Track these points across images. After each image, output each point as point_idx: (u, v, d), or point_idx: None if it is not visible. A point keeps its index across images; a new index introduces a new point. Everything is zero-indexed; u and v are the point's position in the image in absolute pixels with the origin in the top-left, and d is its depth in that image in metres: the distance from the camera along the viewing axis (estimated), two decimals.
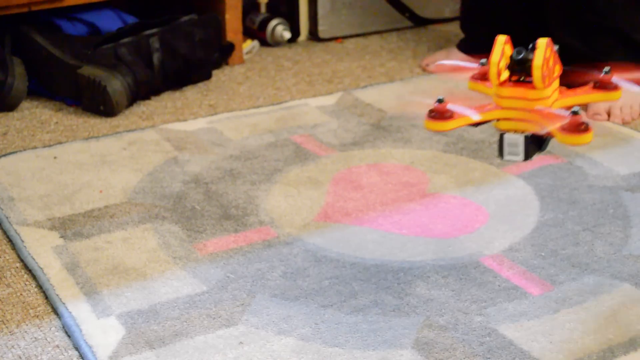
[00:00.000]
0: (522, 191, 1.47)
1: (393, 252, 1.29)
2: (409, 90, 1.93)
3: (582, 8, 1.85)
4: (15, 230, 1.35)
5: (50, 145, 1.65)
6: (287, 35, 2.24)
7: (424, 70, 2.07)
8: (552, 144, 1.63)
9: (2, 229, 1.37)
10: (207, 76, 2.01)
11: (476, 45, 2.06)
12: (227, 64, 2.11)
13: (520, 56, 1.07)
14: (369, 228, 1.36)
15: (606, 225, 1.36)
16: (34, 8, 1.87)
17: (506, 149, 1.09)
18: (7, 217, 1.38)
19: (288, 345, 1.08)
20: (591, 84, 1.13)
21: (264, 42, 2.25)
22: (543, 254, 1.28)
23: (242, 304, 1.16)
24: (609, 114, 1.77)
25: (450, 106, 1.10)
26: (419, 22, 2.41)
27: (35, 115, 1.81)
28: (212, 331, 1.11)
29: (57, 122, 1.78)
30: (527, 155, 1.10)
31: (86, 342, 1.08)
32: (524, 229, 1.35)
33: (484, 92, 1.17)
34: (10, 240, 1.34)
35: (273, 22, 2.24)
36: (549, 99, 1.08)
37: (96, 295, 1.18)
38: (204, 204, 1.43)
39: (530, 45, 1.08)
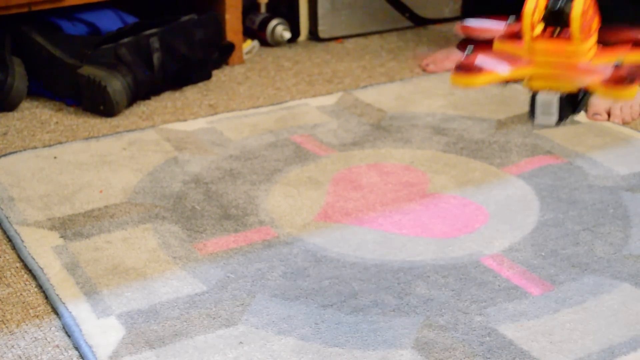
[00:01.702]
0: (522, 191, 1.47)
1: (393, 252, 1.29)
2: (409, 90, 1.93)
3: None
4: (15, 230, 1.35)
5: (50, 145, 1.65)
6: (287, 35, 2.24)
7: (424, 70, 2.07)
8: (552, 144, 1.63)
9: (2, 229, 1.37)
10: (207, 76, 2.01)
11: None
12: (227, 64, 2.11)
13: (558, 5, 0.97)
14: (369, 228, 1.36)
15: (606, 225, 1.36)
16: (34, 8, 1.87)
17: (539, 109, 1.01)
18: (7, 217, 1.38)
19: (288, 345, 1.08)
20: (630, 43, 1.04)
21: (264, 42, 2.25)
22: (543, 254, 1.28)
23: (242, 304, 1.16)
24: (609, 114, 1.77)
25: (479, 60, 1.01)
26: (419, 22, 2.41)
27: (35, 115, 1.81)
28: (212, 331, 1.11)
29: (57, 122, 1.78)
30: (562, 117, 1.02)
31: (86, 342, 1.08)
32: (524, 229, 1.35)
33: (513, 52, 1.05)
34: (10, 240, 1.34)
35: (273, 22, 2.24)
36: (588, 54, 1.00)
37: (96, 295, 1.18)
38: (204, 204, 1.43)
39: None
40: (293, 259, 1.27)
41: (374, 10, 2.33)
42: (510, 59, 1.01)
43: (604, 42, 1.07)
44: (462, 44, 2.15)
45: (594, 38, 1.01)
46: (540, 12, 0.99)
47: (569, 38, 0.98)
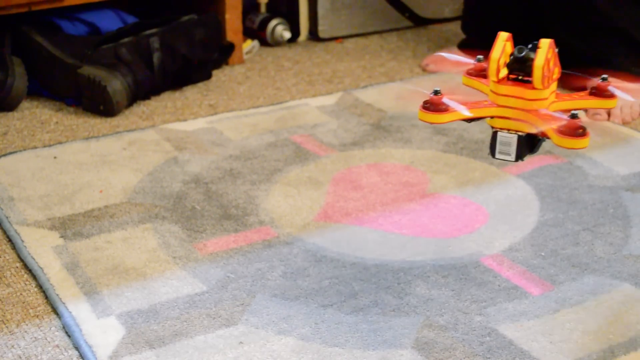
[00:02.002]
0: (522, 191, 1.47)
1: (393, 252, 1.29)
2: (409, 90, 1.93)
3: (583, 8, 1.85)
4: (15, 230, 1.35)
5: (50, 145, 1.65)
6: (287, 35, 2.24)
7: (424, 70, 2.07)
8: (552, 144, 1.63)
9: (2, 229, 1.37)
10: (207, 76, 2.01)
11: (477, 46, 2.06)
12: (227, 64, 2.11)
13: (522, 54, 1.05)
14: (369, 228, 1.36)
15: (606, 225, 1.36)
16: (34, 8, 1.87)
17: (498, 147, 1.08)
18: (7, 217, 1.38)
19: (288, 345, 1.08)
20: (588, 90, 1.12)
21: (264, 42, 2.25)
22: (543, 254, 1.28)
23: (242, 304, 1.16)
24: (609, 114, 1.77)
25: (446, 99, 1.07)
26: (419, 22, 2.41)
27: (35, 115, 1.81)
28: (212, 331, 1.11)
29: (57, 122, 1.78)
30: (519, 156, 1.08)
31: (86, 342, 1.08)
32: (524, 229, 1.35)
33: (478, 88, 1.15)
34: (10, 240, 1.34)
35: (273, 22, 2.24)
36: (547, 100, 1.06)
37: (96, 295, 1.18)
38: (204, 204, 1.43)
39: (531, 45, 1.06)
40: (293, 259, 1.27)
41: (374, 10, 2.33)
42: (475, 101, 1.07)
43: (564, 88, 1.10)
44: (463, 44, 2.16)
45: (554, 86, 1.07)
46: (506, 58, 1.05)
47: (530, 84, 1.04)
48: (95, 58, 1.84)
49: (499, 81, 1.06)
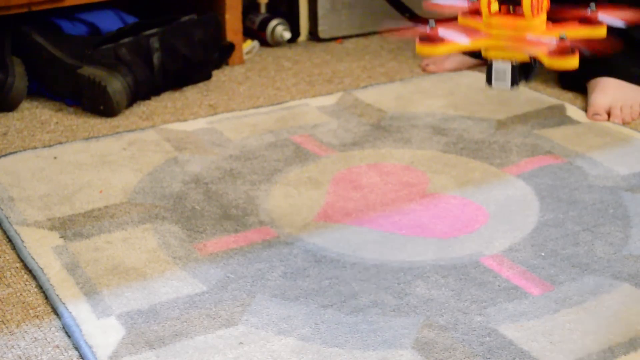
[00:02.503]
0: (522, 191, 1.47)
1: (393, 252, 1.29)
2: (409, 90, 1.93)
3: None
4: (15, 230, 1.35)
5: (50, 145, 1.65)
6: (287, 35, 2.24)
7: (424, 70, 2.07)
8: (552, 144, 1.63)
9: (2, 229, 1.37)
10: (207, 76, 2.01)
11: None
12: (227, 64, 2.11)
13: None
14: (369, 228, 1.36)
15: (606, 225, 1.36)
16: (34, 8, 1.87)
17: (494, 75, 1.14)
18: (7, 217, 1.38)
19: (288, 345, 1.08)
20: (577, 20, 1.17)
21: (264, 42, 2.26)
22: (543, 254, 1.28)
23: (242, 304, 1.16)
24: (609, 114, 1.77)
25: (441, 31, 1.13)
26: (419, 22, 2.40)
27: (35, 115, 1.81)
28: (212, 331, 1.11)
29: (57, 122, 1.78)
30: (514, 82, 1.14)
31: (86, 342, 1.08)
32: (524, 229, 1.35)
33: (474, 26, 1.19)
34: (10, 240, 1.34)
35: (273, 22, 2.24)
36: (537, 29, 1.12)
37: (96, 295, 1.18)
38: (204, 204, 1.43)
39: None
40: (293, 259, 1.27)
41: (374, 10, 2.33)
42: (470, 32, 1.14)
43: (556, 19, 1.18)
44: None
45: (543, 15, 1.13)
46: None
47: (521, 15, 1.11)
48: (95, 58, 1.84)
49: (492, 14, 1.13)
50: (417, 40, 1.12)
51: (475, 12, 1.20)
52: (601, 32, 1.18)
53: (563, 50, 1.09)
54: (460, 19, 1.22)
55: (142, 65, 1.86)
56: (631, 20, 1.20)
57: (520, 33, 1.12)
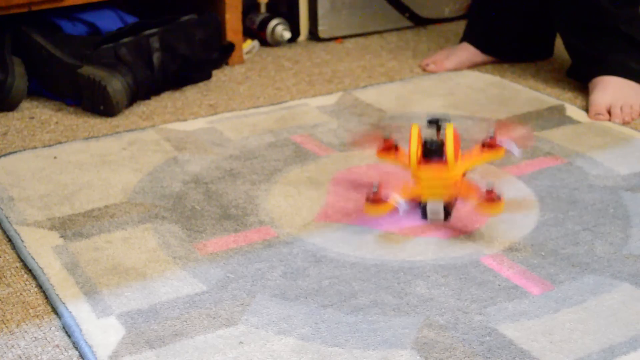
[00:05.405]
0: (522, 192, 1.47)
1: (393, 252, 1.29)
2: (409, 90, 1.93)
3: (585, 7, 1.86)
4: (15, 230, 1.35)
5: (50, 145, 1.65)
6: (287, 35, 2.24)
7: (424, 70, 2.07)
8: (552, 145, 1.63)
9: (2, 229, 1.37)
10: (207, 76, 2.01)
11: (484, 36, 2.07)
12: (227, 64, 2.11)
13: (434, 146, 1.31)
14: (369, 228, 1.36)
15: (606, 225, 1.36)
16: (34, 8, 1.87)
17: (429, 213, 1.33)
18: (7, 217, 1.38)
19: (288, 345, 1.08)
20: (479, 145, 1.38)
21: (264, 42, 2.26)
22: (543, 253, 1.28)
23: (242, 304, 1.16)
24: (609, 114, 1.77)
25: (383, 193, 1.31)
26: (419, 22, 2.41)
27: (35, 115, 1.81)
28: (212, 331, 1.11)
29: (57, 122, 1.78)
30: (447, 216, 1.33)
31: (86, 342, 1.08)
32: (524, 228, 1.35)
33: (394, 162, 1.41)
34: (10, 240, 1.34)
35: (273, 22, 2.24)
36: (458, 173, 1.33)
37: (96, 295, 1.18)
38: (204, 204, 1.43)
39: (434, 123, 1.35)
40: (293, 259, 1.27)
41: (374, 10, 2.33)
42: (405, 186, 1.33)
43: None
44: (470, 35, 2.20)
45: (459, 161, 1.35)
46: (419, 148, 1.33)
47: (443, 163, 1.31)
48: (95, 58, 1.84)
49: (418, 166, 1.31)
50: (365, 202, 1.32)
51: (390, 148, 1.40)
52: (500, 155, 1.38)
53: (491, 199, 1.27)
54: (378, 155, 1.41)
55: (142, 65, 1.86)
56: (524, 144, 1.46)
57: (447, 181, 1.30)
